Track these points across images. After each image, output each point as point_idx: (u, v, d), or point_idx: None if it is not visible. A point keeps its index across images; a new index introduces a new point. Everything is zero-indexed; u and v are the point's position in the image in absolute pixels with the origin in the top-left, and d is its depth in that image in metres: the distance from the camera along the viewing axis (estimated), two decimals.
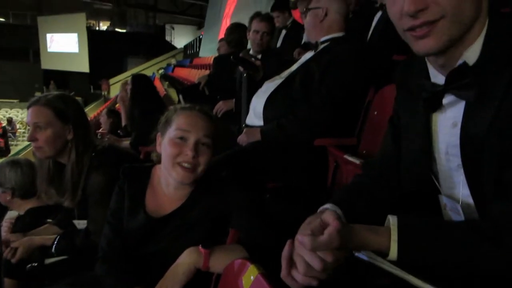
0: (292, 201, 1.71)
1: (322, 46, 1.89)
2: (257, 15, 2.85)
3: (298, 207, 1.60)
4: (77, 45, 19.80)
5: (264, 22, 2.79)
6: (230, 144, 1.97)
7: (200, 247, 1.05)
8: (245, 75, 2.08)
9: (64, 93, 1.70)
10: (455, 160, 0.78)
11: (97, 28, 23.35)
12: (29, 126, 1.54)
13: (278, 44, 4.51)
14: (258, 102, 1.91)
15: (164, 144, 1.19)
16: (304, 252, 0.66)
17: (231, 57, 2.06)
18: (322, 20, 1.87)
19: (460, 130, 0.75)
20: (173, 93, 10.86)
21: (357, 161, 1.45)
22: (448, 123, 0.78)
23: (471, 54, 0.71)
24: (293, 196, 1.72)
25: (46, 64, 20.54)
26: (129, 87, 3.24)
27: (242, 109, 2.10)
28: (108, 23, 23.68)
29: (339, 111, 1.74)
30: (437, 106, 0.79)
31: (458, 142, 0.75)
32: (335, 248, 0.65)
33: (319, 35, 1.90)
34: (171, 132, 1.17)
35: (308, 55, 1.96)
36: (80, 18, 19.19)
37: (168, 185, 1.22)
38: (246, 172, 1.66)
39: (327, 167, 1.77)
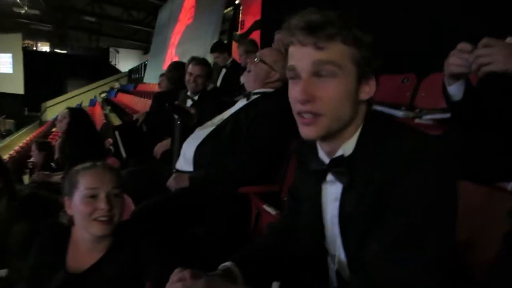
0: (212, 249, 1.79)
1: (254, 97, 2.02)
2: (192, 59, 2.97)
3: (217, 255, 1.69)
4: (11, 65, 18.79)
5: (198, 66, 2.88)
6: (161, 187, 2.03)
7: None
8: (178, 122, 2.17)
9: None
10: (336, 228, 0.93)
11: (34, 49, 22.26)
12: None
13: (219, 82, 4.71)
14: (188, 149, 2.00)
15: (76, 205, 1.25)
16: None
17: (166, 105, 2.14)
18: (269, 82, 1.99)
19: (338, 205, 0.91)
20: (114, 119, 10.61)
21: (273, 212, 1.59)
22: (332, 197, 0.94)
23: (347, 147, 0.88)
24: (214, 244, 1.80)
25: None
26: (65, 120, 3.19)
27: (173, 153, 2.18)
28: (47, 44, 22.66)
29: (263, 163, 1.88)
30: (323, 179, 0.95)
31: (337, 213, 0.91)
32: None
33: (257, 87, 2.02)
34: (80, 192, 1.24)
35: (241, 103, 2.08)
36: (16, 38, 18.33)
37: (85, 240, 1.27)
38: (170, 219, 1.73)
39: (250, 214, 1.89)
